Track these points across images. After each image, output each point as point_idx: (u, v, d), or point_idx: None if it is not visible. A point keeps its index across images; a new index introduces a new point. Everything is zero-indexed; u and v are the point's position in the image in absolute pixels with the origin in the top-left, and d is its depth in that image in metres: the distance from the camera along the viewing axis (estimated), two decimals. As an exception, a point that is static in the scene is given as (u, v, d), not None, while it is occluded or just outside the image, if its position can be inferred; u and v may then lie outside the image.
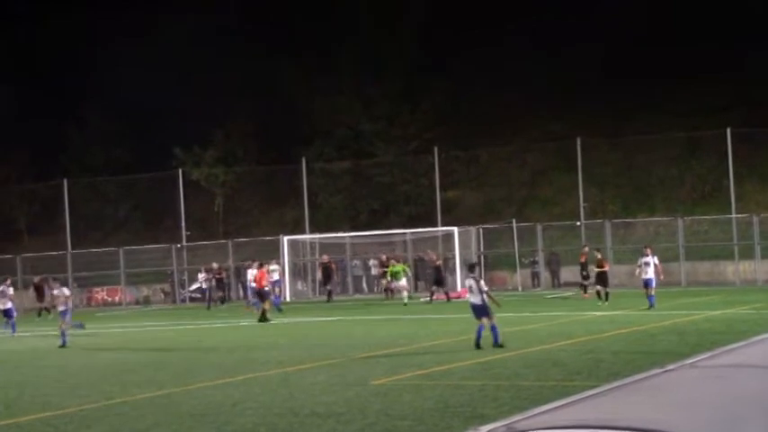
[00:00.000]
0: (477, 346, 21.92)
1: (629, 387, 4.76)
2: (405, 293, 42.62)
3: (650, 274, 33.46)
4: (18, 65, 67.75)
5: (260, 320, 35.42)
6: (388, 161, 59.26)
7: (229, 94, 62.15)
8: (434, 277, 44.59)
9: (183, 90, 59.82)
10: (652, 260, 33.90)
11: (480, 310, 22.55)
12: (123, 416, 15.43)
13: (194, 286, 53.09)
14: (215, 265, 49.76)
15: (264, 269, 39.02)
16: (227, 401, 16.20)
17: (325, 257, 49.47)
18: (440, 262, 45.46)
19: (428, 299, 42.89)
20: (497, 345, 21.97)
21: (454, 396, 15.59)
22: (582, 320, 29.74)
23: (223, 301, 49.11)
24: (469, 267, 25.32)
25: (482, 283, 23.20)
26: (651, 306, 32.51)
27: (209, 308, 46.26)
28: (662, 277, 35.10)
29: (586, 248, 41.42)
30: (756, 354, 5.53)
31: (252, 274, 42.25)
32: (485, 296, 22.68)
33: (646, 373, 5.12)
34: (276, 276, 44.17)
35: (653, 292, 33.11)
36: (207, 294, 48.45)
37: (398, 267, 45.11)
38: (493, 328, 22.24)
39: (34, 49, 69.56)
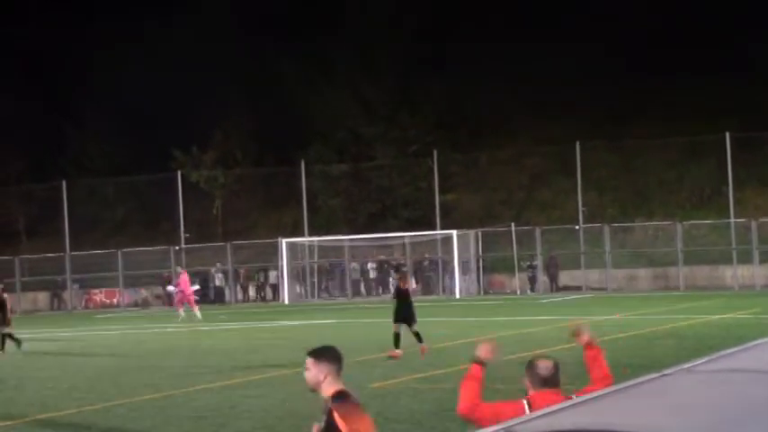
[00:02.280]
0: None
1: (627, 391, 4.75)
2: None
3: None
4: (17, 65, 67.70)
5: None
6: (387, 164, 59.26)
7: (228, 95, 62.10)
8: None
9: (182, 91, 59.74)
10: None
11: None
12: (121, 418, 15.42)
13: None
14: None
15: None
16: (225, 404, 16.19)
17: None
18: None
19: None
20: None
21: (452, 400, 15.48)
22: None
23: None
24: None
25: None
26: None
27: None
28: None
29: None
30: (755, 358, 5.53)
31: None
32: None
33: (643, 377, 5.12)
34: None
35: None
36: None
37: None
38: None
39: (33, 50, 69.48)
